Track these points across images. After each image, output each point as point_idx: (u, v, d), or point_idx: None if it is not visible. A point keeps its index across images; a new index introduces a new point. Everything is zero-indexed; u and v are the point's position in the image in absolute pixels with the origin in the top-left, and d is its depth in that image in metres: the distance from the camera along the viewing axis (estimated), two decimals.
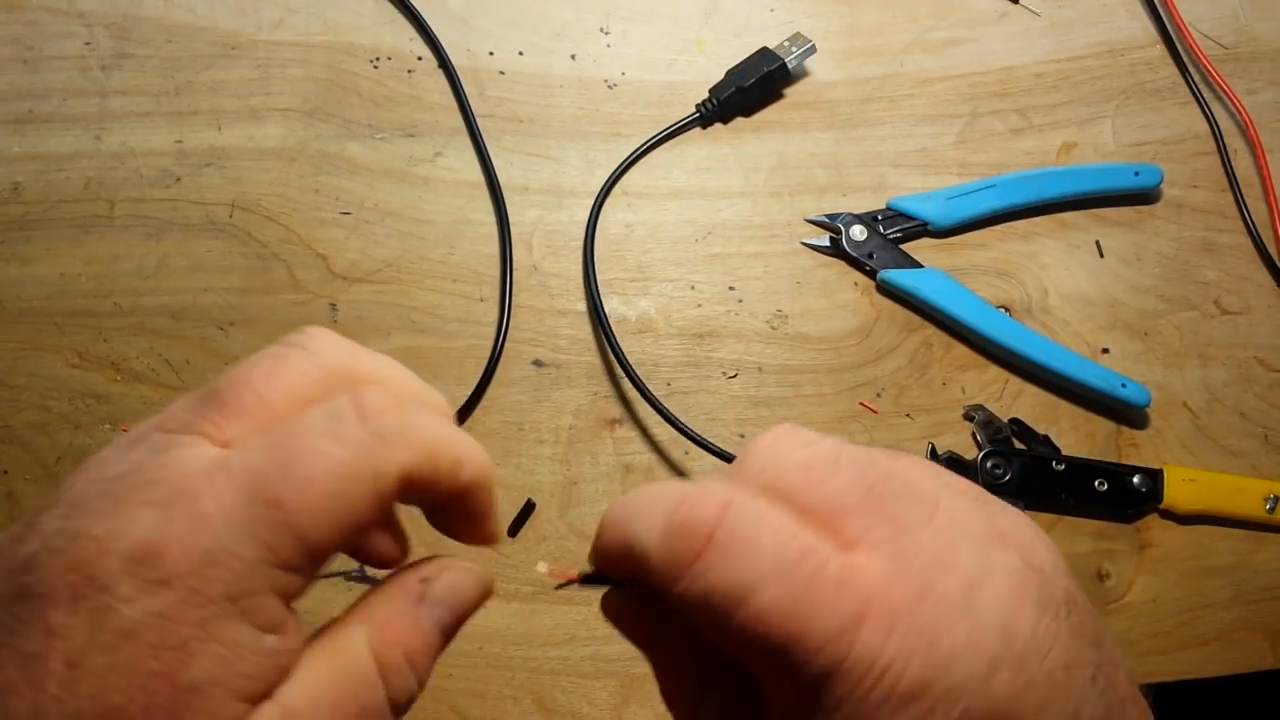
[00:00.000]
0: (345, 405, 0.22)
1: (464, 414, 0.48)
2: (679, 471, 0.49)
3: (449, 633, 0.24)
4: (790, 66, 0.55)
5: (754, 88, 0.55)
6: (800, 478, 0.23)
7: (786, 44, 0.55)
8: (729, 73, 0.55)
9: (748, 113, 0.56)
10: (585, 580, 0.27)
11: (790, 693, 0.22)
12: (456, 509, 0.25)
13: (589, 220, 0.52)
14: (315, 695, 0.21)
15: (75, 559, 0.20)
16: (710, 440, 0.47)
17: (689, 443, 0.48)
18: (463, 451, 0.24)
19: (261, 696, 0.21)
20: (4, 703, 0.19)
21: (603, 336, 0.49)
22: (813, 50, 0.55)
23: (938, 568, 0.22)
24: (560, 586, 0.28)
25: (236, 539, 0.20)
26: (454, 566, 0.25)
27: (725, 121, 0.56)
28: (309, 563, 0.21)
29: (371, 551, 0.24)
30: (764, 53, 0.55)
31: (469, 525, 0.25)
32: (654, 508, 0.23)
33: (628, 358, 0.49)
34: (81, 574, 0.20)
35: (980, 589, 0.22)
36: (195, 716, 0.20)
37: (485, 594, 0.25)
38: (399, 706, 0.23)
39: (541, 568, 0.28)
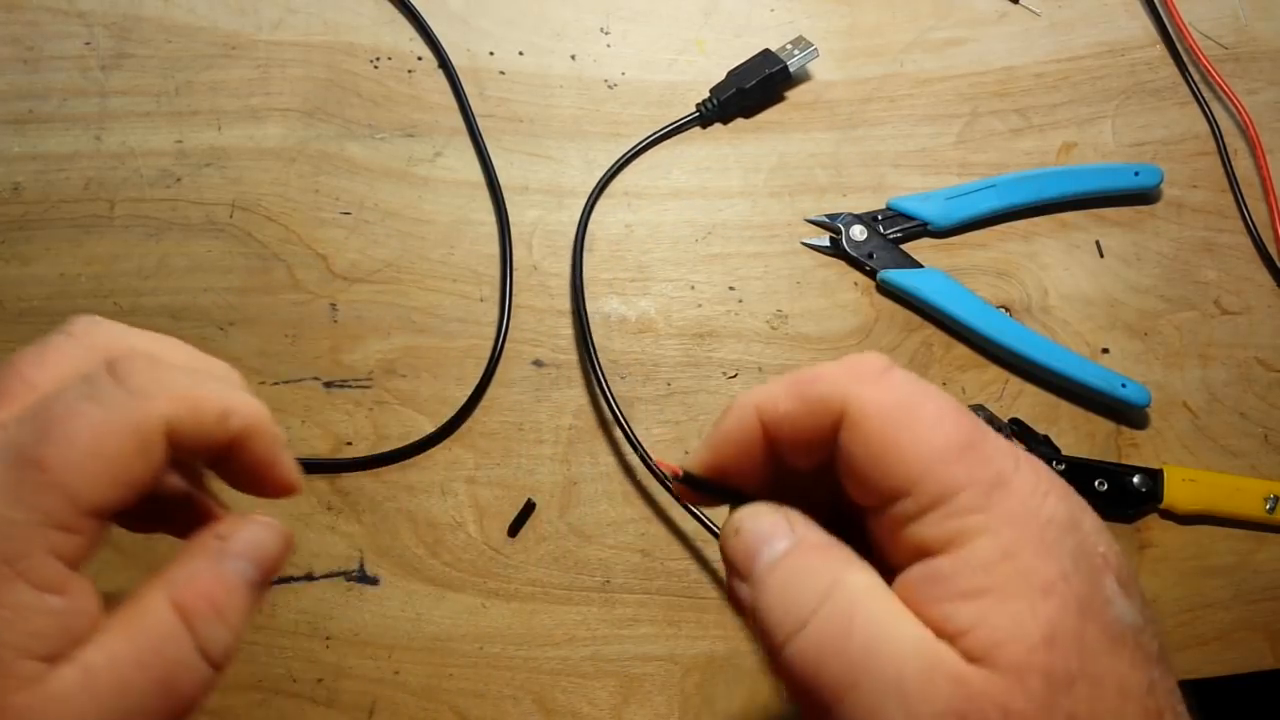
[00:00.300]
0: (100, 371, 0.23)
1: (464, 414, 0.48)
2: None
3: (257, 587, 0.25)
4: (792, 70, 0.55)
5: (755, 89, 0.55)
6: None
7: (789, 47, 0.55)
8: (730, 73, 0.55)
9: (748, 114, 0.56)
10: (685, 480, 0.29)
11: (965, 502, 0.23)
12: (238, 459, 0.26)
13: (580, 220, 0.52)
14: (114, 652, 0.22)
15: None
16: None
17: (689, 444, 0.48)
18: (231, 402, 0.25)
19: (57, 657, 0.22)
20: None
21: (588, 338, 0.49)
22: (815, 54, 0.55)
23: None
24: (665, 478, 0.30)
25: (4, 504, 0.21)
26: (252, 522, 0.26)
27: (725, 122, 0.56)
28: (85, 521, 0.22)
29: (164, 510, 0.26)
30: (766, 55, 0.55)
31: (258, 476, 0.26)
32: (816, 367, 0.26)
33: (626, 358, 0.49)
34: None
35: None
36: None
37: (286, 547, 0.26)
38: (214, 656, 0.24)
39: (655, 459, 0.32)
